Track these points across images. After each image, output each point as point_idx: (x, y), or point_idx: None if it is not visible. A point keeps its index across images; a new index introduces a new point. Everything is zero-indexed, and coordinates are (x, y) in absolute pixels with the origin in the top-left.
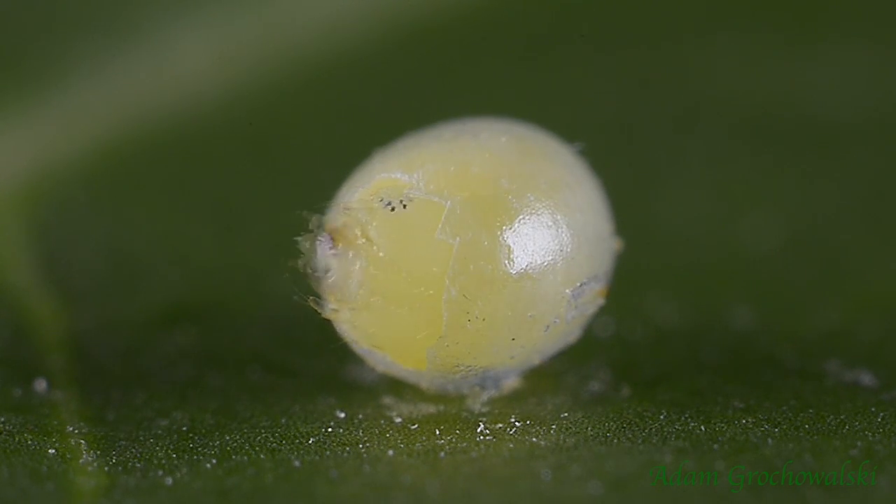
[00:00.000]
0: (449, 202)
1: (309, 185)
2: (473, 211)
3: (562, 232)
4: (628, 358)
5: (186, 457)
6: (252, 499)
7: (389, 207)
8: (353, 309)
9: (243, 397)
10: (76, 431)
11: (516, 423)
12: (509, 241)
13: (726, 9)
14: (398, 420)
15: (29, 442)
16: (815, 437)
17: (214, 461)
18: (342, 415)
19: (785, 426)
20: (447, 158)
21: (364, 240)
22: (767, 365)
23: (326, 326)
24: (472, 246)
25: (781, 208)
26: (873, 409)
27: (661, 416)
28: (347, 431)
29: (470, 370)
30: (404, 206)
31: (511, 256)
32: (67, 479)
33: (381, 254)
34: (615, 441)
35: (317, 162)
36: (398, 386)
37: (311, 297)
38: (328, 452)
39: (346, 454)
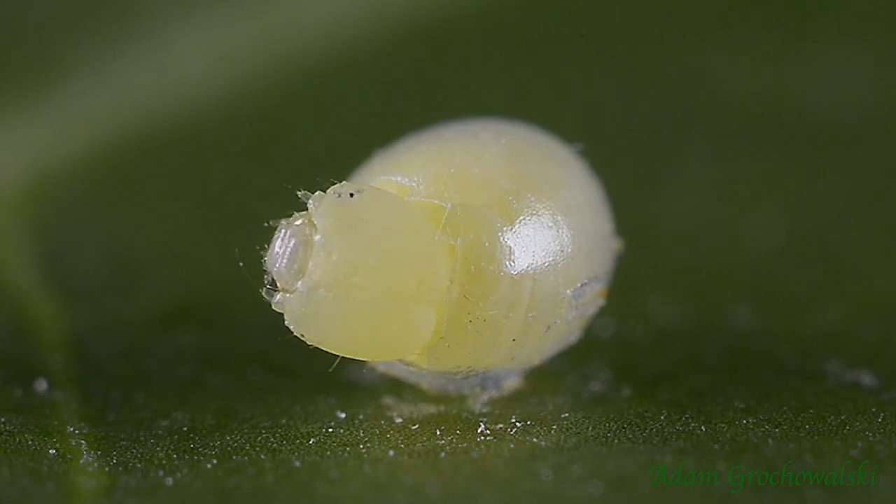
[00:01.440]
0: (449, 204)
1: (309, 186)
2: (474, 212)
3: (562, 232)
4: (629, 358)
5: (187, 457)
6: (253, 499)
7: (336, 195)
8: (289, 293)
9: (244, 398)
10: (77, 432)
11: (517, 424)
12: (510, 242)
13: (727, 9)
14: (399, 420)
15: (29, 442)
16: (816, 437)
17: (215, 461)
18: (343, 415)
19: (785, 426)
20: (447, 160)
21: (306, 223)
22: (768, 365)
23: None
24: (473, 247)
25: (782, 208)
26: (874, 410)
27: (662, 417)
28: (348, 432)
29: (470, 370)
30: (351, 196)
31: (512, 257)
32: (68, 480)
33: (316, 237)
34: (616, 441)
35: (317, 163)
36: (399, 386)
37: (264, 287)
38: (329, 453)
39: (346, 454)
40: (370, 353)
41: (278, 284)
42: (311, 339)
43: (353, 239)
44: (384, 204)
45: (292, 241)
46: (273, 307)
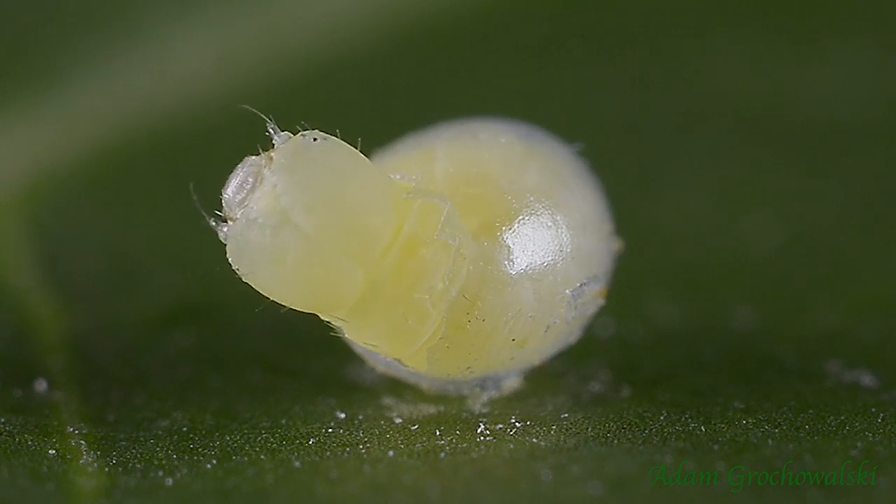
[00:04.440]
0: (448, 203)
1: None
2: (473, 212)
3: (561, 232)
4: (628, 358)
5: (187, 457)
6: (252, 499)
7: (301, 136)
8: (233, 222)
9: (243, 398)
10: (76, 432)
11: (516, 424)
12: (509, 242)
13: (727, 9)
14: (398, 421)
15: (29, 442)
16: (816, 437)
17: (215, 462)
18: (342, 415)
19: (785, 427)
20: (447, 159)
21: (265, 158)
22: (768, 365)
23: (327, 328)
24: (471, 246)
25: (782, 209)
26: (873, 410)
27: (662, 417)
28: (348, 432)
29: (470, 371)
30: (314, 140)
31: (511, 257)
32: (68, 480)
33: (266, 171)
34: (615, 442)
35: None
36: (398, 386)
37: (212, 219)
38: (328, 453)
39: (346, 455)
40: (294, 299)
41: (226, 215)
42: (242, 273)
43: (300, 178)
44: (346, 157)
45: (245, 172)
46: (220, 238)
